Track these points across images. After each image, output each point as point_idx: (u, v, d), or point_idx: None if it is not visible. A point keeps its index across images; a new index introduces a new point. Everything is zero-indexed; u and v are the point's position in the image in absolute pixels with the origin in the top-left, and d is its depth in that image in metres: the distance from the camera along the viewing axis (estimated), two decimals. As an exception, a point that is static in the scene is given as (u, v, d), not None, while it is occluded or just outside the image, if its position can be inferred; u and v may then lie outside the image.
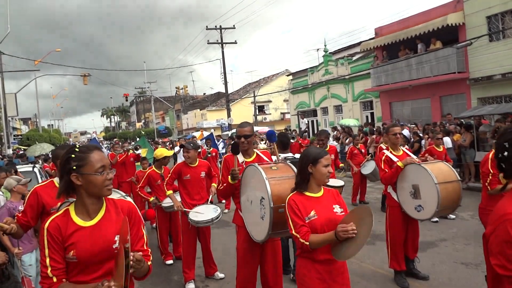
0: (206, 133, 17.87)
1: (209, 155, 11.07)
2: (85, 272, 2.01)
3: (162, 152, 6.66)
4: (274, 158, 4.25)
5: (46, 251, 1.97)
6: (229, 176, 3.77)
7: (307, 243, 2.61)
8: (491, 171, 3.95)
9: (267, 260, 3.89)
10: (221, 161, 4.30)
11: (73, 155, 2.04)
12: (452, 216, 7.68)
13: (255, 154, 4.10)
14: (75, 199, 2.11)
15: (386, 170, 4.69)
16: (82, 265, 2.00)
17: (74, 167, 2.01)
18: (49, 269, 1.95)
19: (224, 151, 13.71)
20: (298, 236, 2.66)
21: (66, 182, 2.04)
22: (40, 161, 15.29)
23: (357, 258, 5.84)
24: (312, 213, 2.69)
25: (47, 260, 1.96)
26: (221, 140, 17.10)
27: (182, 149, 5.58)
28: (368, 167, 9.27)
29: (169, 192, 5.51)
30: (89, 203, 2.06)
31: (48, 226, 2.00)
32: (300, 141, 12.17)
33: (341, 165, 8.37)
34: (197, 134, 21.63)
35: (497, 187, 3.88)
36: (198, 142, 13.53)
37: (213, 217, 4.93)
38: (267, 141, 10.43)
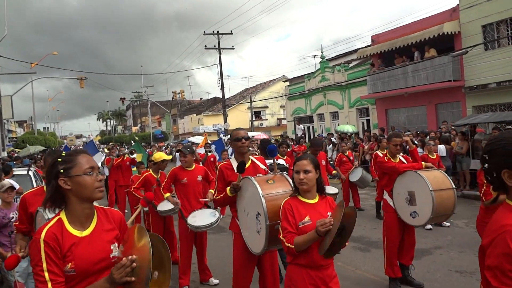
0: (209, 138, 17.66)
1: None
2: (81, 285, 1.90)
3: (161, 155, 6.64)
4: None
5: (44, 265, 1.80)
6: (228, 189, 3.64)
7: (292, 246, 2.67)
8: (485, 181, 3.93)
9: (265, 268, 3.83)
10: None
11: (59, 159, 1.97)
12: (447, 224, 7.70)
13: (250, 161, 4.00)
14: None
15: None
16: (79, 278, 1.88)
17: (62, 170, 1.93)
18: (49, 284, 1.79)
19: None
20: (283, 240, 2.72)
21: (54, 187, 1.93)
22: (33, 166, 15.20)
23: (352, 265, 5.85)
24: (307, 218, 2.72)
25: (46, 275, 1.79)
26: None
27: (179, 153, 5.62)
28: (356, 174, 9.33)
29: (167, 194, 5.53)
30: (80, 210, 1.96)
31: (44, 237, 1.85)
32: (293, 148, 12.14)
33: (333, 172, 8.37)
34: (200, 138, 21.23)
35: (491, 199, 3.90)
36: (201, 149, 13.49)
37: (212, 222, 4.92)
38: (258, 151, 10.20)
